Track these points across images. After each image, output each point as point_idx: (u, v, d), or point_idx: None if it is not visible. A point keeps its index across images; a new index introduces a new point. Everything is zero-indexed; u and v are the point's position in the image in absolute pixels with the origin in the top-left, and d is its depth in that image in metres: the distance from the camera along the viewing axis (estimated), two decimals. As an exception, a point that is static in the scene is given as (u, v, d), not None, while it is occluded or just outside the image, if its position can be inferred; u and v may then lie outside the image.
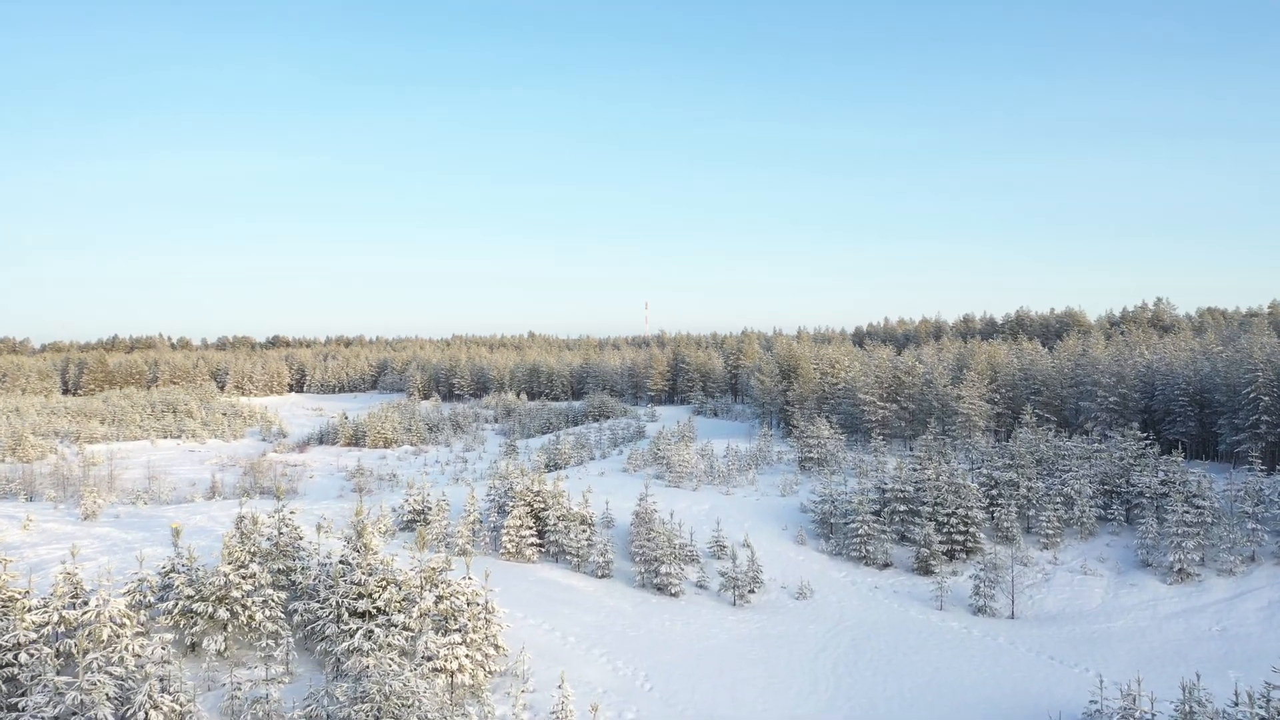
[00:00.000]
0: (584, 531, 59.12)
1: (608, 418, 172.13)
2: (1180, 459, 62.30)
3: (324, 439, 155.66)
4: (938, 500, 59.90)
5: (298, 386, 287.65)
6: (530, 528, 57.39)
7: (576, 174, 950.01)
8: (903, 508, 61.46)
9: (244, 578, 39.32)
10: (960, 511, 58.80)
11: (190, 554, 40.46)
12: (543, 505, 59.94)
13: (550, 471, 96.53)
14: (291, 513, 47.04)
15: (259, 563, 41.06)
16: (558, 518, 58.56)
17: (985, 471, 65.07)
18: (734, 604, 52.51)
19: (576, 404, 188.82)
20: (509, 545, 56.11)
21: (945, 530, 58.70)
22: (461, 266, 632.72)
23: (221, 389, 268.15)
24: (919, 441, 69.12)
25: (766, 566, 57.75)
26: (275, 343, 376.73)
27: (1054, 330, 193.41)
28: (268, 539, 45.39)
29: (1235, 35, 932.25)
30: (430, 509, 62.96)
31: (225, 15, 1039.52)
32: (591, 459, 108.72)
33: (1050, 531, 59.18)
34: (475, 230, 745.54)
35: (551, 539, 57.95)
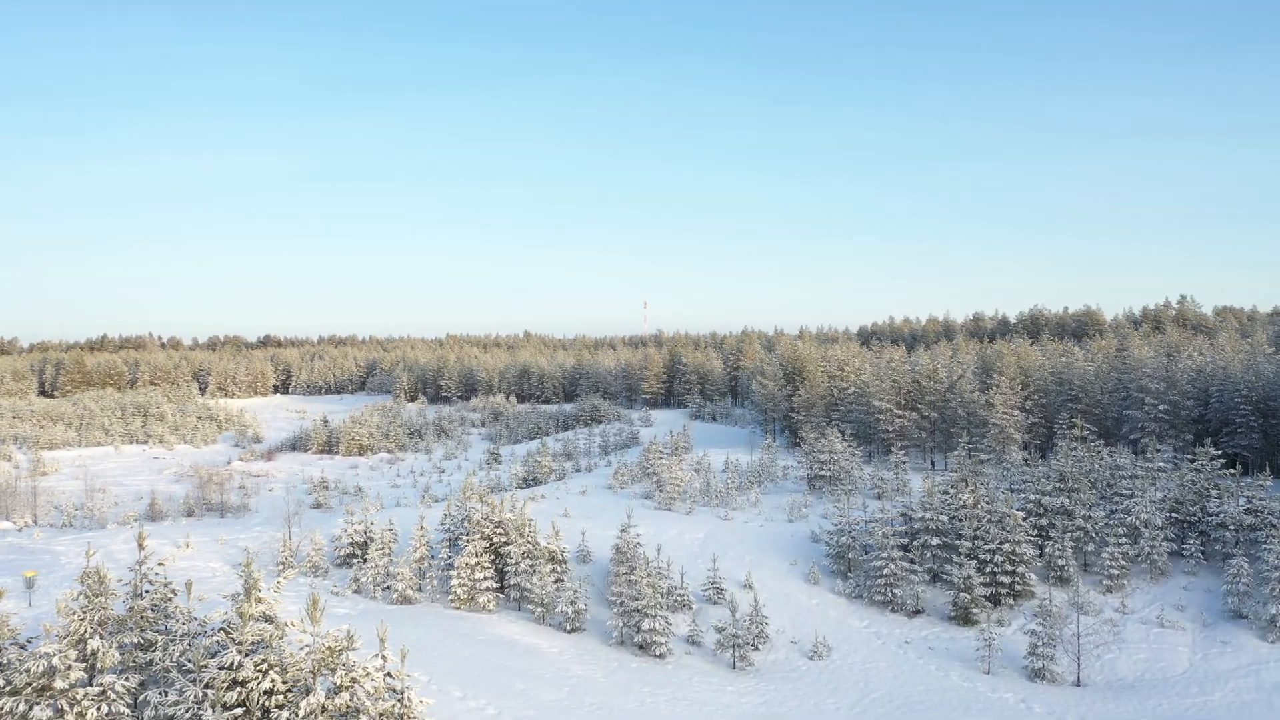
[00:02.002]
0: (553, 571, 49.21)
1: (600, 422, 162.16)
2: (1268, 481, 52.32)
3: (297, 445, 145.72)
4: (978, 533, 49.90)
5: (283, 388, 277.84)
6: (488, 568, 47.40)
7: (575, 174, 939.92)
8: (935, 541, 51.46)
9: (79, 660, 29.35)
10: (1006, 547, 48.80)
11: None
12: (504, 539, 49.94)
13: (527, 488, 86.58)
14: (161, 564, 36.69)
15: (105, 635, 31.05)
16: (522, 554, 48.55)
17: (1031, 496, 54.96)
18: (733, 666, 42.59)
19: (568, 407, 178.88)
20: (460, 591, 46.10)
21: (988, 570, 48.71)
22: (460, 266, 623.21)
23: (203, 390, 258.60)
24: (952, 458, 59.07)
25: (773, 613, 47.83)
26: (267, 342, 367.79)
27: (1071, 330, 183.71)
28: (126, 598, 35.21)
29: (1238, 36, 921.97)
30: (373, 540, 53.05)
31: (213, 16, 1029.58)
32: (578, 471, 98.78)
33: (1114, 571, 49.17)
34: (475, 230, 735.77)
35: (513, 581, 47.96)
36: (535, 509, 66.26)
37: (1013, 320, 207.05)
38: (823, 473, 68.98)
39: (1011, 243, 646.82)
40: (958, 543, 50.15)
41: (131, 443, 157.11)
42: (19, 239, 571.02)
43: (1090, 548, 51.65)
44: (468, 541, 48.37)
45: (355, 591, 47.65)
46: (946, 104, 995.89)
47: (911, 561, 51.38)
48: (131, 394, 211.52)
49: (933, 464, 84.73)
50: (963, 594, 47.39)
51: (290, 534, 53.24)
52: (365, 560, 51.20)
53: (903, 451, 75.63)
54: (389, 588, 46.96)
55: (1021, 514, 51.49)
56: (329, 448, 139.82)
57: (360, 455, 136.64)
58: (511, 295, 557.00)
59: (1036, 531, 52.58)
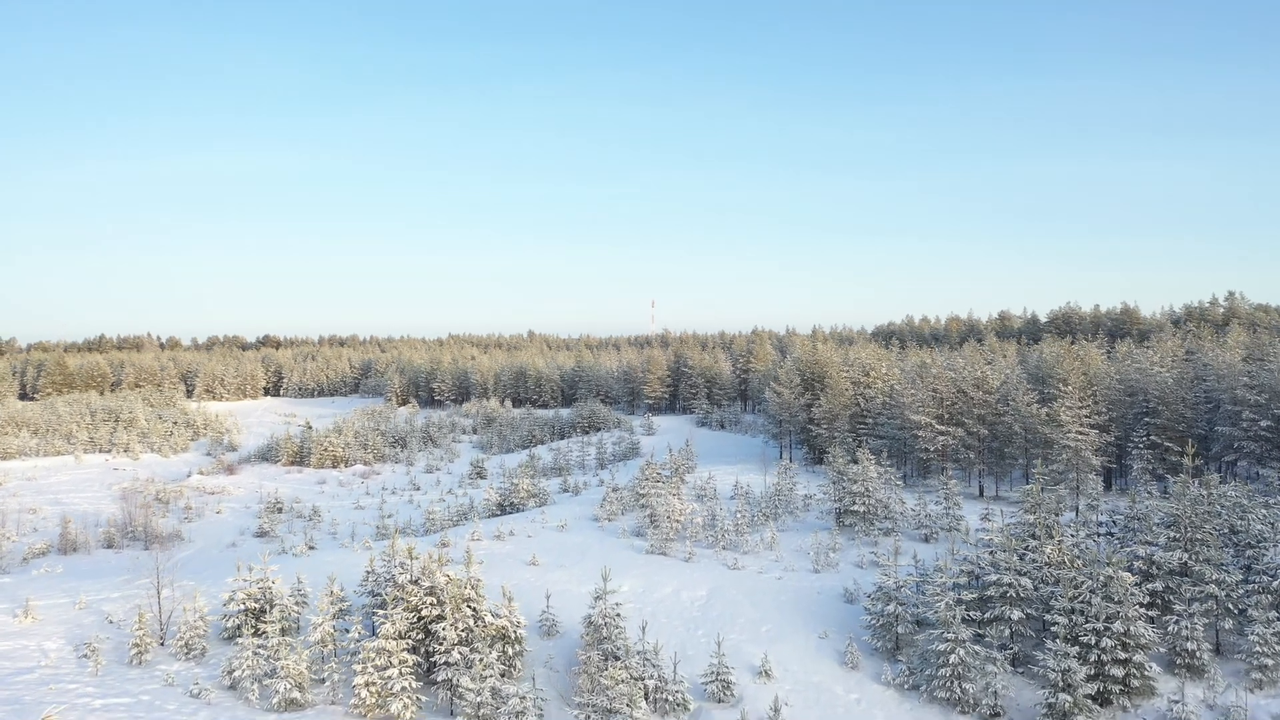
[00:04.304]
0: (503, 656, 36.49)
1: (598, 429, 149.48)
2: None
3: (267, 456, 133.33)
4: (1076, 604, 36.84)
5: (274, 390, 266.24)
6: (408, 657, 34.57)
7: (584, 172, 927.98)
8: (1016, 614, 38.46)
9: None
10: (1116, 626, 35.75)
11: None
12: (437, 610, 37.15)
13: (501, 514, 73.74)
14: None
15: None
16: (458, 638, 35.77)
17: (1138, 552, 41.65)
18: (746, 811, 29.77)
19: (565, 412, 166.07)
20: (365, 694, 33.25)
21: (1093, 657, 35.68)
22: (464, 265, 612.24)
23: (190, 393, 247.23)
24: (1005, 483, 45.96)
25: (802, 715, 34.98)
26: (266, 342, 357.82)
27: (1107, 329, 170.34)
28: None
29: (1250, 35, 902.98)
30: (275, 604, 40.36)
31: (217, 13, 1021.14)
32: (564, 492, 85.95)
33: (1267, 660, 36.09)
34: (481, 229, 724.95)
35: (443, 676, 35.16)
36: (497, 553, 53.56)
37: (1043, 319, 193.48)
38: (855, 507, 55.85)
39: (1020, 240, 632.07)
40: (1047, 616, 37.21)
41: (96, 451, 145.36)
42: (20, 238, 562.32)
43: (1227, 624, 38.55)
44: (387, 617, 35.58)
45: (229, 687, 34.97)
46: (951, 103, 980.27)
47: (983, 638, 38.47)
48: (110, 398, 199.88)
49: (981, 489, 71.56)
50: (1061, 693, 34.35)
51: (161, 600, 40.51)
52: (258, 632, 38.50)
53: (950, 476, 62.55)
54: (263, 691, 34.15)
55: (1130, 577, 38.37)
56: (300, 459, 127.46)
57: (334, 468, 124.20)
58: (517, 295, 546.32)
59: (1148, 599, 39.45)
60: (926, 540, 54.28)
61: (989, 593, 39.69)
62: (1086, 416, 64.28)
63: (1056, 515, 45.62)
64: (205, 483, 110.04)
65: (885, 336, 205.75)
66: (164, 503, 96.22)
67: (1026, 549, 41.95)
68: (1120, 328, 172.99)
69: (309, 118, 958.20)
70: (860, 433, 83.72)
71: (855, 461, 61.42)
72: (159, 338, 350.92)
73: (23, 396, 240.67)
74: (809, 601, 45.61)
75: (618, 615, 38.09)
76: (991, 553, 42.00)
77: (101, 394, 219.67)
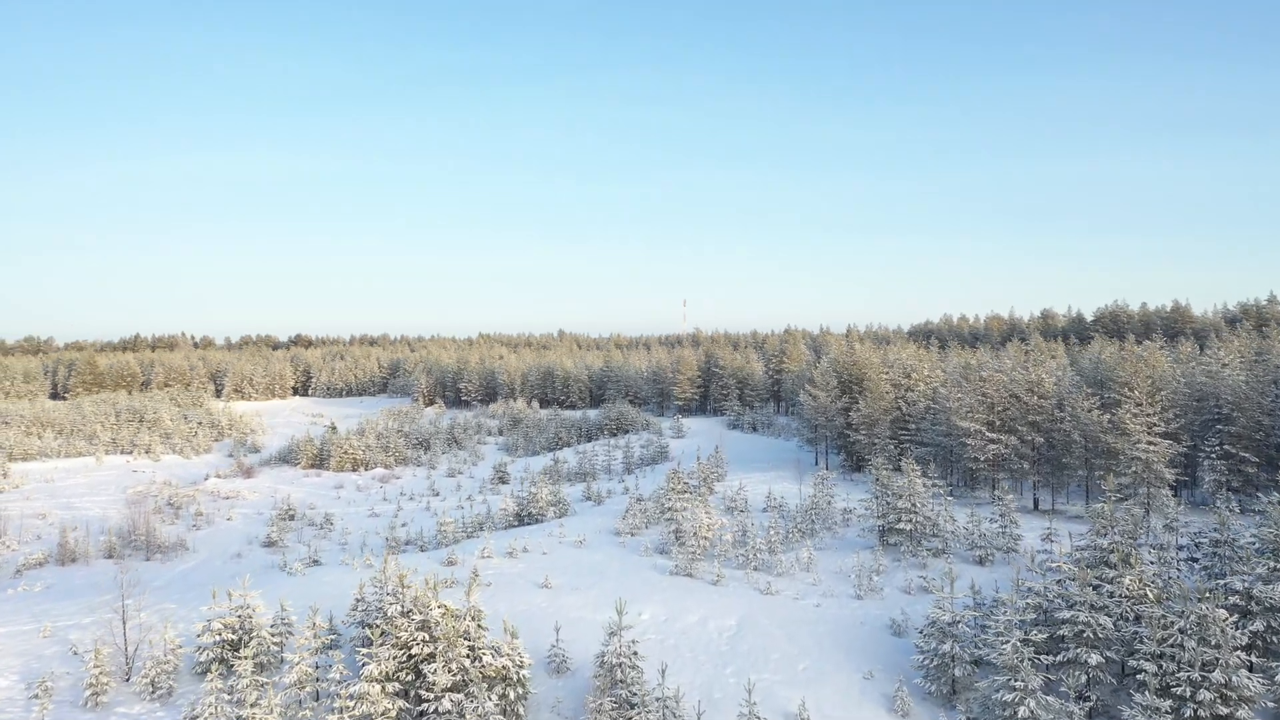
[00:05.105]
0: (502, 702, 32.08)
1: (626, 431, 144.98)
2: None
3: (287, 458, 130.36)
4: (1165, 648, 31.64)
5: (303, 389, 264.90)
6: (391, 707, 30.23)
7: (615, 172, 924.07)
8: (1094, 658, 33.30)
9: None
10: (1216, 676, 30.52)
11: None
12: (429, 648, 32.75)
13: (518, 526, 69.44)
14: None
15: None
16: (450, 681, 31.37)
17: (1236, 585, 36.24)
18: None
19: (593, 414, 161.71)
20: (342, 747, 28.92)
21: (1185, 711, 30.50)
22: (498, 265, 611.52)
23: (219, 392, 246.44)
24: (1091, 511, 40.61)
25: (842, 776, 30.17)
26: (298, 341, 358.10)
27: (1158, 329, 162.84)
28: None
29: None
30: (253, 633, 36.24)
31: (251, 16, 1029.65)
32: (586, 500, 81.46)
33: (1396, 719, 30.70)
34: (516, 228, 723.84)
35: (433, 725, 30.76)
36: (507, 573, 49.19)
37: (1089, 318, 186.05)
38: (900, 524, 50.70)
39: (1048, 240, 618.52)
40: (1130, 661, 32.07)
41: (118, 452, 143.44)
42: (61, 239, 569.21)
43: (1344, 673, 33.08)
44: (368, 658, 31.28)
45: (194, 735, 30.83)
46: (971, 100, 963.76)
47: (1055, 684, 33.39)
48: (138, 397, 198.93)
49: (1036, 502, 65.98)
50: (1151, 756, 29.23)
51: (127, 630, 36.36)
52: (230, 669, 34.40)
53: (1006, 489, 57.20)
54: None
55: (1224, 613, 33.06)
56: (319, 461, 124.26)
57: (353, 471, 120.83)
58: (549, 294, 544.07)
59: (1247, 640, 34.09)
60: (981, 563, 49.06)
61: (1061, 631, 34.53)
62: (1155, 424, 58.54)
63: (1133, 538, 40.31)
64: (221, 486, 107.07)
65: (923, 336, 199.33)
66: (176, 508, 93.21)
67: (1101, 579, 36.72)
68: (1172, 327, 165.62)
69: (344, 119, 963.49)
70: (902, 439, 78.33)
71: (898, 469, 56.32)
72: (193, 337, 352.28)
73: (54, 396, 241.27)
74: (851, 634, 40.70)
75: (634, 654, 33.49)
76: (1060, 582, 36.89)
77: (130, 394, 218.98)
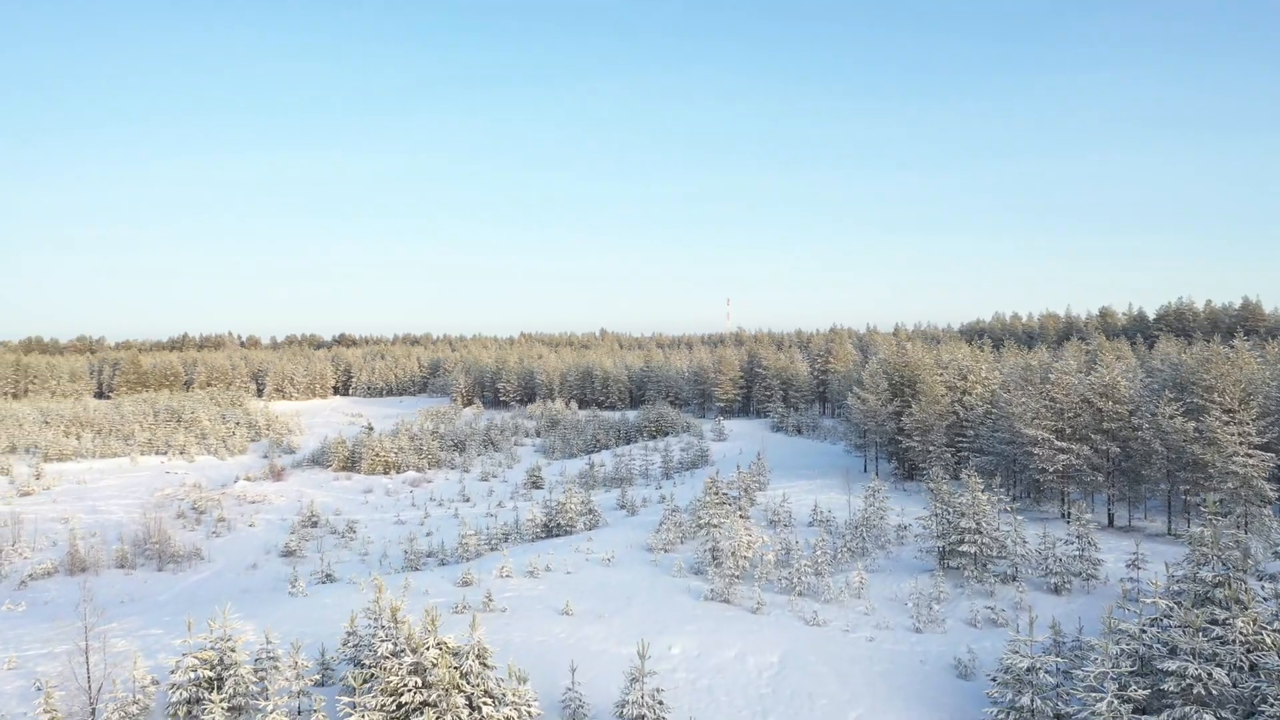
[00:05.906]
0: (504, 760, 27.61)
1: (666, 434, 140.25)
2: None
3: (319, 460, 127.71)
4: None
5: (343, 389, 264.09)
6: (376, 765, 25.88)
7: (661, 171, 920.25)
8: (1209, 718, 27.90)
9: None
10: (1364, 748, 25.02)
11: None
12: (421, 696, 28.36)
13: (546, 538, 65.06)
14: None
15: None
16: (444, 734, 26.95)
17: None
18: None
19: (632, 415, 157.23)
20: (311, 820, 24.62)
21: (1327, 791, 25.07)
22: (540, 264, 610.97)
23: (260, 392, 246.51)
24: (1192, 536, 34.96)
25: None
26: (341, 341, 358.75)
27: (1225, 328, 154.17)
28: None
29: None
30: (231, 669, 32.19)
31: (308, 16, 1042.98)
32: (619, 509, 76.91)
33: None
34: (560, 226, 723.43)
35: (422, 791, 26.35)
36: (525, 595, 44.77)
37: (1151, 316, 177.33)
38: (963, 546, 45.36)
39: (1094, 240, 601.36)
40: (1253, 725, 26.65)
41: (153, 453, 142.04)
42: (117, 239, 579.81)
43: None
44: (350, 709, 26.99)
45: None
46: (1011, 95, 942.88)
47: (1159, 750, 28.04)
48: (178, 397, 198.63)
49: (1111, 518, 59.95)
50: None
51: (90, 667, 32.40)
52: (207, 713, 30.31)
53: (1081, 505, 51.43)
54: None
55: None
56: (351, 464, 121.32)
57: (384, 474, 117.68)
58: (592, 293, 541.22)
59: (1392, 699, 28.41)
60: (1056, 591, 43.58)
61: (1166, 685, 29.15)
62: (1249, 434, 52.41)
63: (1243, 571, 34.65)
64: (248, 490, 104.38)
65: (974, 335, 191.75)
66: (199, 512, 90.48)
67: (1213, 620, 31.23)
68: (1241, 325, 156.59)
69: (402, 119, 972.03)
70: (959, 446, 72.58)
71: (957, 478, 50.88)
72: (240, 337, 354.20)
73: (99, 395, 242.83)
74: (910, 674, 35.58)
75: (659, 703, 28.88)
76: (1155, 621, 31.49)
77: (171, 393, 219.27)
